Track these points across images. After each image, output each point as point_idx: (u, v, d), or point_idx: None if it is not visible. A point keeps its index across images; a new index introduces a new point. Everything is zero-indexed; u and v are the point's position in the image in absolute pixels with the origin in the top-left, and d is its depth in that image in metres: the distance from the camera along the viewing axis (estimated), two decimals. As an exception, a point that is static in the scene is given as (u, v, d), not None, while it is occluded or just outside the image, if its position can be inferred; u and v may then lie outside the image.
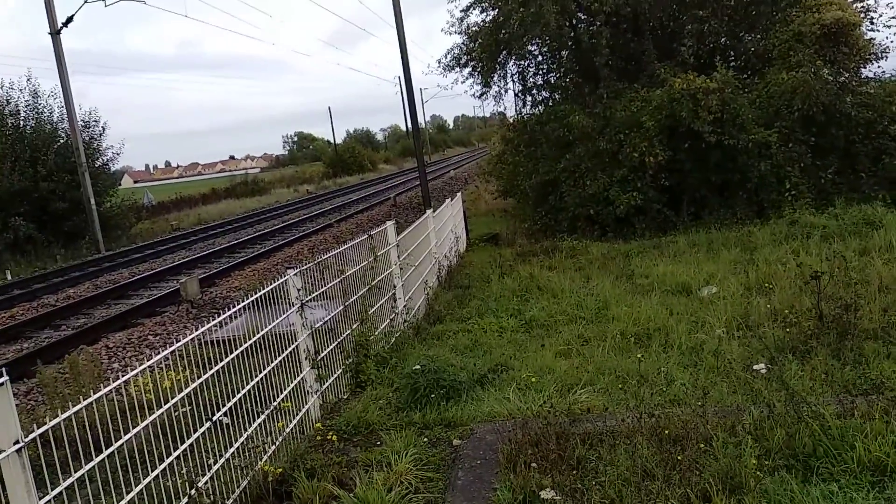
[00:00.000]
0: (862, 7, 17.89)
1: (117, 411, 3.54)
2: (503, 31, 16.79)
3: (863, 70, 17.28)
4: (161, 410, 3.86)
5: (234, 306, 4.83)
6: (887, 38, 17.53)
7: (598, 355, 6.78)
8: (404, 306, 8.60)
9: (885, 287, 7.65)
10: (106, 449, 3.36)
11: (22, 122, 24.78)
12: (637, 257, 11.80)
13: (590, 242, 13.72)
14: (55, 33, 23.04)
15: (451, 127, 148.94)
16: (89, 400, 3.32)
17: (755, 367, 5.61)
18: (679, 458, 4.12)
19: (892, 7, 17.53)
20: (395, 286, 8.38)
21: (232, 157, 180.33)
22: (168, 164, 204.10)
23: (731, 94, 14.06)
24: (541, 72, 19.59)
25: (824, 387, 5.29)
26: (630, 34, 17.06)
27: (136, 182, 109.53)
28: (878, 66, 17.42)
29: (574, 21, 17.86)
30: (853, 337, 6.05)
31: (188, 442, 3.97)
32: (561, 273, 11.11)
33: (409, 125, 22.82)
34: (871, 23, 17.71)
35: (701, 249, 11.66)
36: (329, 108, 78.94)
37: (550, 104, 18.60)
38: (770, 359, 5.87)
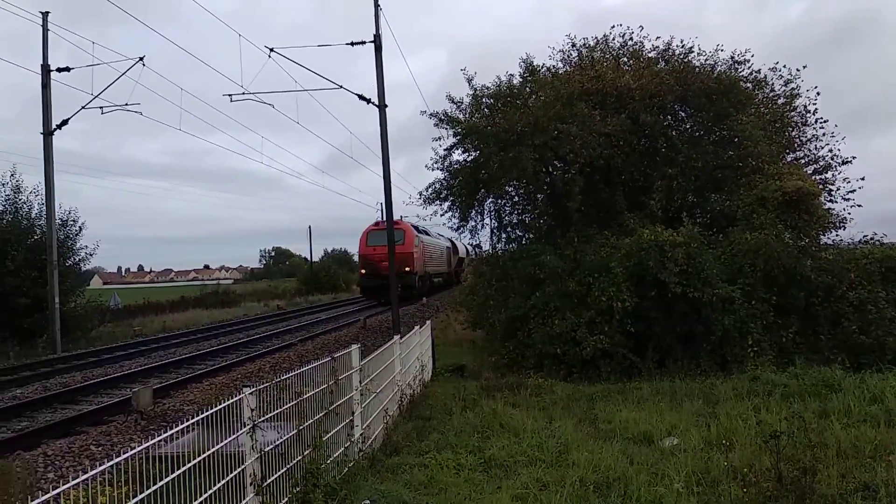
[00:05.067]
0: (821, 179, 19.17)
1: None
2: (483, 172, 17.56)
3: (822, 237, 18.18)
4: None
5: (185, 421, 4.70)
6: (844, 209, 18.69)
7: (555, 502, 6.59)
8: (361, 434, 8.37)
9: (843, 452, 7.67)
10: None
11: (-2, 217, 24.78)
12: (601, 401, 11.74)
13: (555, 382, 13.66)
14: (48, 134, 23.62)
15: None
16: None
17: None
18: None
19: (849, 182, 18.70)
20: (353, 412, 8.19)
21: (206, 267, 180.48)
22: (141, 267, 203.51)
23: (697, 249, 14.61)
24: (516, 211, 20.39)
25: (781, 553, 5.18)
26: (602, 184, 17.94)
27: (105, 283, 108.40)
28: (837, 235, 18.38)
29: (550, 168, 18.82)
30: (811, 502, 5.99)
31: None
32: (524, 411, 10.99)
33: (387, 250, 23.25)
34: (830, 194, 18.93)
35: (664, 398, 11.66)
36: (309, 226, 79.93)
37: (524, 242, 19.20)
38: (728, 519, 5.76)
